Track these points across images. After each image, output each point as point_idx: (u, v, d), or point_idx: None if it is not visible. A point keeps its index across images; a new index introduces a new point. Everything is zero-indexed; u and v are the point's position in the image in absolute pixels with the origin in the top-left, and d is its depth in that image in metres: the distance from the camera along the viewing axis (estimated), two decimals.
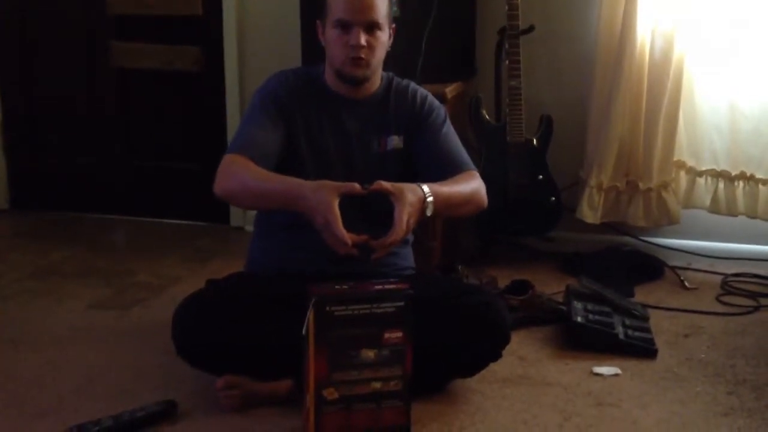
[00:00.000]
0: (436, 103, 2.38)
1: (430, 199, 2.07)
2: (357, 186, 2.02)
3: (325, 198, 1.98)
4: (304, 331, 1.91)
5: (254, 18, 3.51)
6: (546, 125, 3.16)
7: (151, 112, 3.74)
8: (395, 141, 2.31)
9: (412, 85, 2.39)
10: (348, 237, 1.97)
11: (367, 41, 2.18)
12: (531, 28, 3.10)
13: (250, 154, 2.16)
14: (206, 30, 3.56)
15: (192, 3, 3.55)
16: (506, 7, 3.03)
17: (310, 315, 1.90)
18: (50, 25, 3.73)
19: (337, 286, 1.96)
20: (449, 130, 2.35)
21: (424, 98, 2.36)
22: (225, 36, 3.53)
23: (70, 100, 3.79)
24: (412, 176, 2.26)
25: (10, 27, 3.77)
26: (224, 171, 2.15)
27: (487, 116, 3.15)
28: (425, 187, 2.08)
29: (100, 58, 3.69)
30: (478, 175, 2.30)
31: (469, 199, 2.23)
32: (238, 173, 2.13)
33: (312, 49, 3.03)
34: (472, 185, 2.25)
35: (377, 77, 2.32)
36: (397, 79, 2.37)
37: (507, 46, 3.07)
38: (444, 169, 2.26)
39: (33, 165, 3.87)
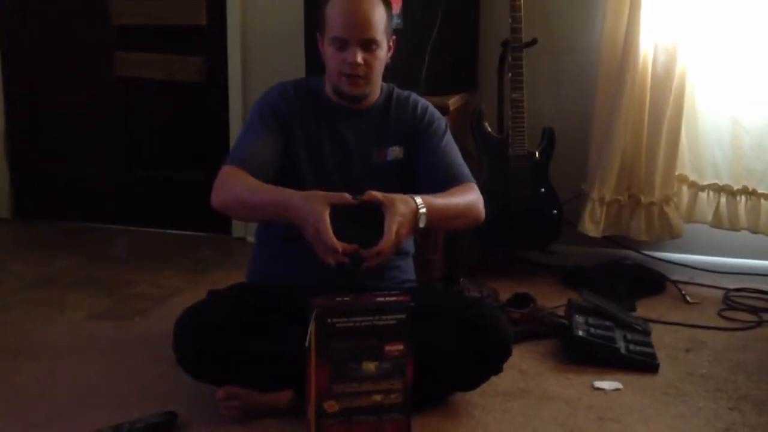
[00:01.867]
0: (437, 114, 2.38)
1: (423, 210, 2.07)
2: (347, 196, 2.02)
3: (315, 208, 1.99)
4: (306, 343, 1.91)
5: (258, 28, 3.52)
6: (548, 138, 3.16)
7: (155, 122, 3.75)
8: (395, 152, 2.31)
9: (413, 95, 2.38)
10: (338, 245, 1.97)
11: (364, 59, 2.16)
12: (534, 41, 3.11)
13: (246, 166, 2.16)
14: (210, 40, 3.58)
15: (196, 13, 3.56)
16: (509, 20, 3.04)
17: (312, 327, 1.90)
18: (55, 35, 3.74)
19: (338, 298, 1.95)
20: (449, 142, 2.34)
21: (425, 109, 2.36)
22: (229, 46, 3.54)
23: (74, 110, 3.80)
24: (413, 187, 2.26)
25: (16, 37, 3.78)
26: (220, 184, 2.16)
27: (489, 128, 3.15)
28: (418, 199, 2.08)
29: (104, 68, 3.70)
30: (476, 187, 2.29)
31: (464, 212, 2.22)
32: (233, 185, 2.14)
33: (315, 59, 3.03)
34: (468, 198, 2.24)
35: (376, 89, 2.31)
36: (398, 90, 2.37)
37: (510, 58, 3.07)
38: (442, 180, 2.25)
39: (36, 174, 3.88)
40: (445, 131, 2.35)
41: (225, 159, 2.23)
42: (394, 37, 2.27)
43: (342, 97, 2.25)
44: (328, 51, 2.20)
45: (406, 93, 2.37)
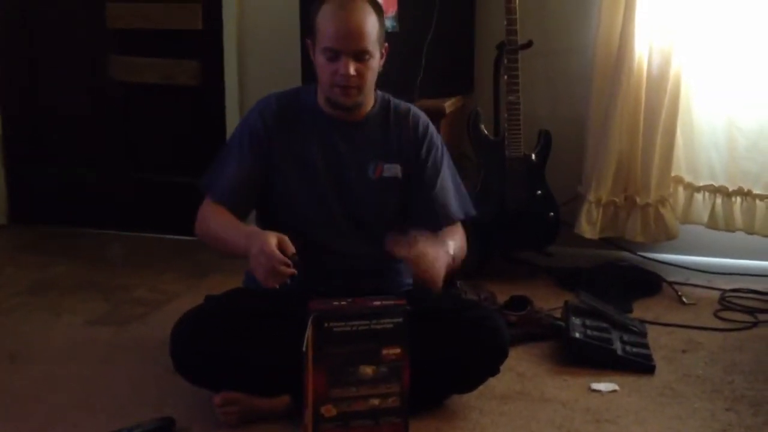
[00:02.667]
0: (436, 134, 2.34)
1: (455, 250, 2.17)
2: (292, 248, 2.02)
3: (263, 234, 2.05)
4: (304, 347, 1.91)
5: (254, 32, 3.51)
6: (544, 140, 3.17)
7: (151, 126, 3.74)
8: (395, 169, 2.27)
9: (413, 110, 2.33)
10: (282, 258, 1.99)
11: (357, 69, 2.13)
12: (529, 44, 3.10)
13: (225, 202, 2.22)
14: (206, 44, 3.57)
15: (192, 17, 3.56)
16: (505, 23, 3.04)
17: (309, 331, 1.90)
18: (51, 39, 3.74)
19: (335, 302, 1.96)
20: (446, 169, 2.33)
21: (426, 128, 2.31)
22: (225, 50, 3.53)
23: (71, 115, 3.79)
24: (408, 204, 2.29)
25: (12, 41, 3.78)
26: (200, 219, 2.25)
27: (485, 131, 3.15)
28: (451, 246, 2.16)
29: (101, 72, 3.69)
30: (461, 228, 2.32)
31: (462, 256, 2.27)
32: (208, 224, 2.22)
33: (312, 63, 3.04)
34: (463, 245, 2.28)
35: (370, 98, 2.27)
36: (394, 102, 2.32)
37: (505, 61, 3.08)
38: (435, 219, 2.28)
39: (33, 179, 3.87)
40: (443, 155, 2.33)
41: (205, 180, 2.26)
42: (386, 44, 2.23)
43: (335, 107, 2.22)
44: (320, 60, 2.17)
45: (404, 106, 2.33)
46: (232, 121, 3.56)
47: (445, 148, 2.35)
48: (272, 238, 2.01)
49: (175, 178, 3.71)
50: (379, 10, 2.19)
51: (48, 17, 3.73)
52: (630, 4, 3.03)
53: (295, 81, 3.06)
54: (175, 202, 3.71)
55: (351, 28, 2.11)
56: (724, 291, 3.07)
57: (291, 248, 2.01)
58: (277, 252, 1.99)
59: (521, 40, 3.07)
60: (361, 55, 2.13)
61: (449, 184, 2.33)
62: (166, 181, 3.72)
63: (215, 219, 2.20)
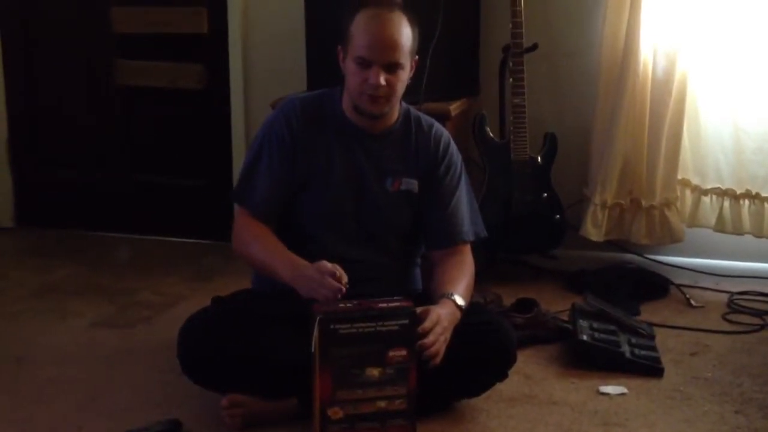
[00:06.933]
0: (456, 153, 2.34)
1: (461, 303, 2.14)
2: (345, 277, 2.03)
3: (307, 266, 2.07)
4: (312, 350, 1.91)
5: (259, 36, 3.51)
6: (550, 143, 3.16)
7: (156, 130, 3.74)
8: (411, 184, 2.27)
9: (436, 127, 2.33)
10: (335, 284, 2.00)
11: (387, 80, 2.12)
12: (534, 47, 3.10)
13: (261, 216, 2.23)
14: (211, 48, 3.58)
15: (197, 21, 3.56)
16: (510, 26, 3.04)
17: (315, 333, 1.90)
18: (57, 43, 3.75)
19: (341, 304, 1.96)
20: (462, 189, 2.32)
21: (446, 148, 2.31)
22: (230, 54, 3.53)
23: (76, 118, 3.80)
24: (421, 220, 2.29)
25: (16, 45, 3.79)
26: (238, 235, 2.25)
27: (491, 134, 3.15)
28: (459, 300, 2.14)
29: (105, 76, 3.70)
30: (469, 248, 2.32)
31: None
32: (249, 247, 2.22)
33: (317, 67, 3.05)
34: (471, 273, 2.27)
35: (395, 109, 2.27)
36: (414, 113, 2.32)
37: (511, 64, 3.07)
38: (444, 238, 2.29)
39: (38, 183, 3.87)
40: (461, 175, 2.33)
41: (229, 165, 2.25)
42: (416, 56, 2.22)
43: (361, 114, 2.22)
44: (350, 67, 2.16)
45: (427, 121, 2.33)
46: (238, 124, 3.56)
47: (463, 168, 2.35)
48: (329, 264, 2.04)
49: (181, 182, 3.71)
50: (414, 23, 2.18)
51: (53, 22, 3.74)
52: (635, 6, 3.03)
53: (300, 84, 3.06)
54: (180, 206, 3.72)
55: (385, 40, 2.11)
56: (732, 294, 3.06)
57: (345, 277, 2.02)
58: (330, 268, 2.02)
59: (526, 42, 3.06)
60: (392, 67, 2.13)
61: (464, 205, 2.32)
62: (172, 184, 3.72)
63: (258, 241, 2.21)
